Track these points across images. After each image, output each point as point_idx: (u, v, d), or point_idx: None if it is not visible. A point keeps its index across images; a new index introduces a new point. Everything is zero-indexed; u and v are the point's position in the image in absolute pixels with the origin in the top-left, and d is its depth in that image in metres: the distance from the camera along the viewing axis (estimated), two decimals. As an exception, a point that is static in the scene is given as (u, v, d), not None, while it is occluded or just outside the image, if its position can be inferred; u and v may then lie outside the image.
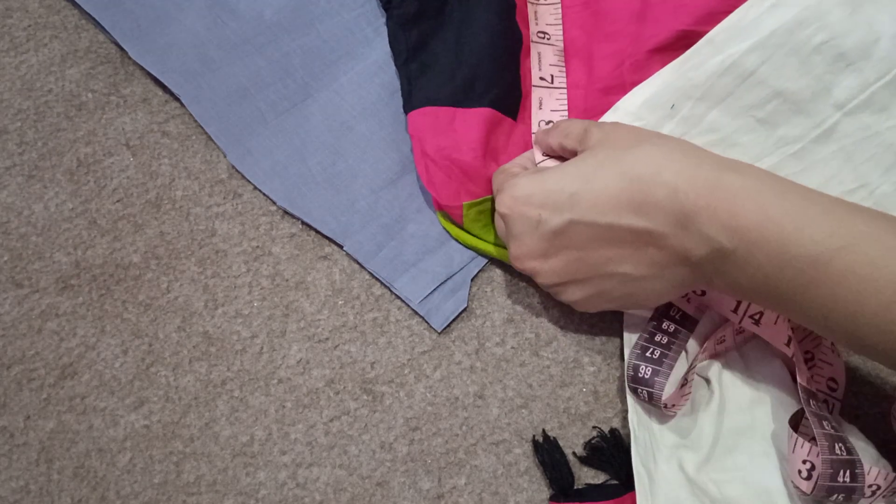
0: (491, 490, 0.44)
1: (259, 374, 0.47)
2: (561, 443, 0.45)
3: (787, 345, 0.42)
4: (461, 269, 0.50)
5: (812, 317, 0.35)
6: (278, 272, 0.50)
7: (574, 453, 0.45)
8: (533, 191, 0.41)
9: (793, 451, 0.40)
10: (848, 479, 0.38)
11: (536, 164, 0.47)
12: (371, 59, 0.57)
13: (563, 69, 0.53)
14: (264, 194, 0.52)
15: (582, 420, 0.46)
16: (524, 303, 0.49)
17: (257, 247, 0.51)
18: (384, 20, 0.58)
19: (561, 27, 0.54)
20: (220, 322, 0.49)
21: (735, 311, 0.43)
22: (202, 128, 0.54)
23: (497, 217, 0.45)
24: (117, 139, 0.55)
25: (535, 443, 0.45)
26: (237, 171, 0.53)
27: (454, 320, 0.48)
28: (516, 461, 0.45)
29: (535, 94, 0.53)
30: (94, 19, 0.59)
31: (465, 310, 0.48)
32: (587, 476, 0.44)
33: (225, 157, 0.53)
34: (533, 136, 0.50)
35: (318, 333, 0.48)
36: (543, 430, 0.45)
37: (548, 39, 0.54)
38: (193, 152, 0.54)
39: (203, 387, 0.47)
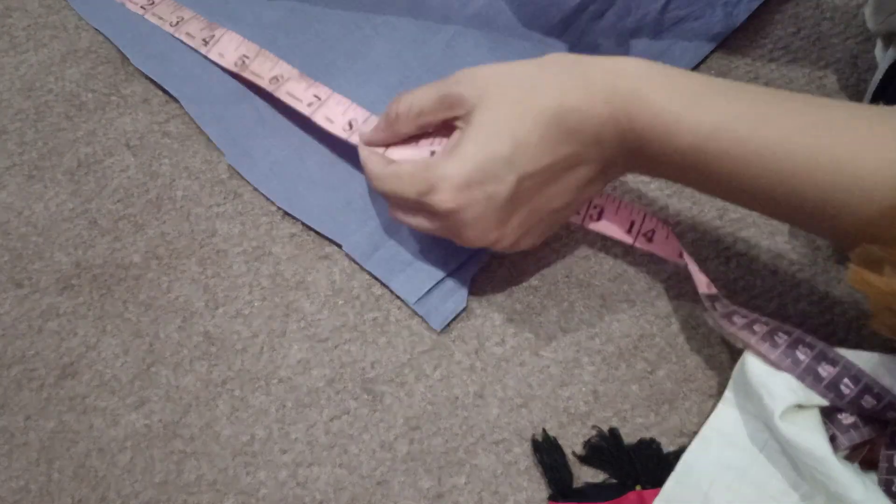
0: (491, 489, 0.44)
1: (259, 374, 0.47)
2: (561, 442, 0.45)
3: (681, 256, 0.46)
4: (459, 267, 0.50)
5: (712, 192, 0.40)
6: (279, 272, 0.50)
7: (574, 453, 0.45)
8: (469, 175, 0.40)
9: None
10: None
11: (387, 159, 0.45)
12: (370, 59, 0.57)
13: (318, 83, 0.53)
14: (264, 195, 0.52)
15: (582, 420, 0.46)
16: (524, 303, 0.49)
17: (258, 247, 0.51)
18: (383, 19, 0.58)
19: (281, 62, 0.55)
20: (220, 322, 0.49)
21: (629, 231, 0.47)
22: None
23: (418, 219, 0.43)
24: (117, 139, 0.55)
25: (534, 442, 0.45)
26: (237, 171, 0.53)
27: (454, 320, 0.48)
28: (516, 461, 0.45)
29: (320, 116, 0.52)
30: (94, 20, 0.59)
31: (464, 310, 0.49)
32: (587, 475, 0.44)
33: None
34: (358, 140, 0.48)
35: (318, 333, 0.48)
36: (543, 430, 0.45)
37: (282, 79, 0.54)
38: (194, 152, 0.54)
39: (203, 386, 0.47)
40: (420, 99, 0.43)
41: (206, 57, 0.56)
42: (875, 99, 0.50)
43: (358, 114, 0.51)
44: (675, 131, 0.38)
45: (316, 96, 0.53)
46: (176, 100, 0.56)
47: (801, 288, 0.49)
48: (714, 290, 0.44)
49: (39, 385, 0.47)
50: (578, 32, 0.57)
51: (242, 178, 0.53)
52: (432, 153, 0.44)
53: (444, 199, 0.40)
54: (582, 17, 0.57)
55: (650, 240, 0.47)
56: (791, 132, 0.36)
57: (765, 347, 0.41)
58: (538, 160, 0.40)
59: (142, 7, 0.59)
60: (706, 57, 0.56)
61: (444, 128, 0.44)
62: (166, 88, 0.56)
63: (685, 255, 0.45)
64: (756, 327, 0.42)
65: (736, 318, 0.43)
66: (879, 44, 0.53)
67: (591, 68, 0.39)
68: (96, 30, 0.59)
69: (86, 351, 0.48)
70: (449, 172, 0.40)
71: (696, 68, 0.56)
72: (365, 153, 0.46)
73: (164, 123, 0.55)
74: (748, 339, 0.41)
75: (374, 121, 0.49)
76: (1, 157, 0.54)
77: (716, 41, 0.56)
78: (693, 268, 0.45)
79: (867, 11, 0.53)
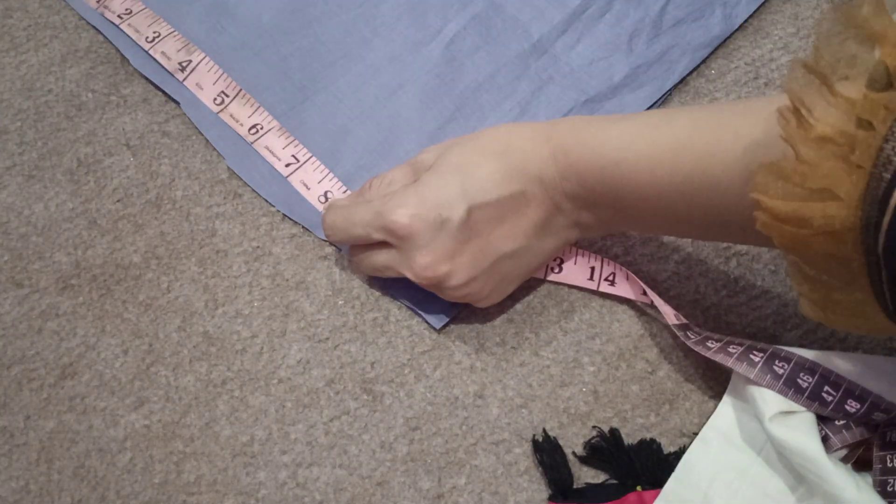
0: (491, 490, 0.44)
1: (259, 374, 0.47)
2: (561, 442, 0.45)
3: (644, 294, 0.47)
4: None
5: (643, 215, 0.43)
6: (278, 272, 0.50)
7: (574, 453, 0.45)
8: (424, 197, 0.43)
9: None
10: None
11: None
12: (369, 61, 0.57)
13: (297, 143, 0.54)
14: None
15: (582, 420, 0.46)
16: (524, 303, 0.49)
17: (258, 247, 0.51)
18: (382, 21, 0.58)
19: (261, 109, 0.55)
20: (220, 322, 0.49)
21: (591, 278, 0.49)
22: (202, 128, 0.55)
23: (375, 253, 0.45)
24: (117, 139, 0.55)
25: (534, 442, 0.45)
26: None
27: (454, 320, 0.48)
28: (516, 461, 0.45)
29: (296, 179, 0.53)
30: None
31: (464, 309, 0.49)
32: (587, 476, 0.44)
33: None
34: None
35: (318, 333, 0.48)
36: (543, 430, 0.45)
37: (261, 129, 0.54)
38: (194, 152, 0.54)
39: (203, 387, 0.47)
40: (393, 171, 0.47)
41: (182, 84, 0.56)
42: None
43: (335, 186, 0.52)
44: (600, 150, 0.41)
45: (294, 157, 0.53)
46: (176, 100, 0.56)
47: (800, 288, 0.49)
48: (683, 320, 0.45)
49: (39, 385, 0.47)
50: (578, 34, 0.57)
51: (242, 178, 0.53)
52: None
53: (399, 214, 0.42)
54: (581, 18, 0.57)
55: (612, 283, 0.48)
56: (695, 120, 0.39)
57: (742, 367, 0.41)
58: (488, 192, 0.42)
59: (119, 16, 0.58)
60: (706, 58, 0.56)
61: None
62: (165, 91, 0.56)
63: (649, 293, 0.46)
64: (731, 349, 0.42)
65: (710, 343, 0.43)
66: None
67: (534, 122, 0.45)
68: (96, 30, 0.59)
69: (85, 351, 0.48)
70: (406, 194, 0.43)
71: (695, 69, 0.56)
72: (334, 198, 0.50)
73: (164, 123, 0.55)
74: (725, 362, 0.42)
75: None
76: (1, 157, 0.54)
77: (715, 42, 0.56)
78: (658, 302, 0.46)
79: None
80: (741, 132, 0.36)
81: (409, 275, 0.44)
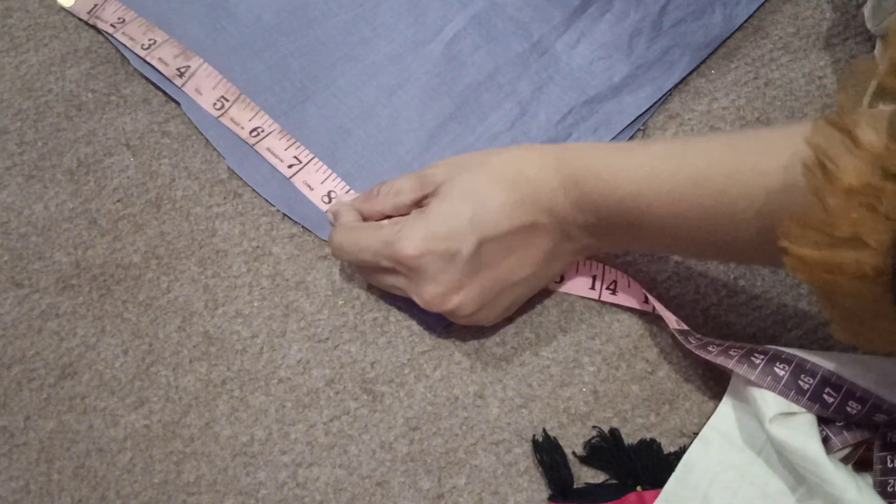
0: (491, 490, 0.44)
1: (259, 374, 0.47)
2: (561, 442, 0.45)
3: (646, 302, 0.47)
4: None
5: (658, 242, 0.43)
6: (278, 272, 0.50)
7: (574, 453, 0.45)
8: (433, 228, 0.42)
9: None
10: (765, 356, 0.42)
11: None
12: (369, 61, 0.57)
13: (299, 144, 0.54)
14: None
15: (582, 420, 0.46)
16: (524, 303, 0.49)
17: (258, 247, 0.51)
18: (382, 21, 0.58)
19: (261, 112, 0.55)
20: (220, 322, 0.49)
21: (592, 287, 0.49)
22: (202, 128, 0.55)
23: (384, 277, 0.45)
24: (117, 139, 0.55)
25: (534, 442, 0.45)
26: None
27: (454, 320, 0.48)
28: (516, 461, 0.45)
29: (299, 180, 0.53)
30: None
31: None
32: (587, 476, 0.44)
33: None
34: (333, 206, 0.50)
35: (318, 333, 0.48)
36: (543, 430, 0.45)
37: (262, 132, 0.54)
38: (194, 152, 0.54)
39: (203, 387, 0.47)
40: (400, 180, 0.47)
41: (180, 89, 0.56)
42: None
43: (338, 186, 0.52)
44: (616, 183, 0.40)
45: (296, 158, 0.53)
46: (176, 100, 0.56)
47: (801, 288, 0.49)
48: (684, 326, 0.45)
49: (39, 385, 0.47)
50: (578, 34, 0.57)
51: (242, 178, 0.53)
52: None
53: (407, 245, 0.42)
54: (581, 18, 0.57)
55: (614, 292, 0.49)
56: (714, 154, 0.38)
57: (743, 369, 0.41)
58: (499, 225, 0.42)
59: (112, 25, 0.57)
60: (706, 58, 0.56)
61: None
62: (165, 91, 0.56)
63: (651, 299, 0.47)
64: (732, 352, 0.42)
65: (711, 348, 0.43)
66: (879, 44, 0.53)
67: (544, 146, 0.44)
68: (96, 30, 0.59)
69: (85, 351, 0.48)
70: (416, 224, 0.43)
71: (695, 69, 0.56)
72: (341, 208, 0.48)
73: (164, 123, 0.55)
74: (727, 364, 0.42)
75: (353, 196, 0.51)
76: (1, 157, 0.54)
77: (715, 43, 0.56)
78: (660, 308, 0.46)
79: (867, 12, 0.53)
80: (761, 168, 0.36)
81: (418, 302, 0.44)
